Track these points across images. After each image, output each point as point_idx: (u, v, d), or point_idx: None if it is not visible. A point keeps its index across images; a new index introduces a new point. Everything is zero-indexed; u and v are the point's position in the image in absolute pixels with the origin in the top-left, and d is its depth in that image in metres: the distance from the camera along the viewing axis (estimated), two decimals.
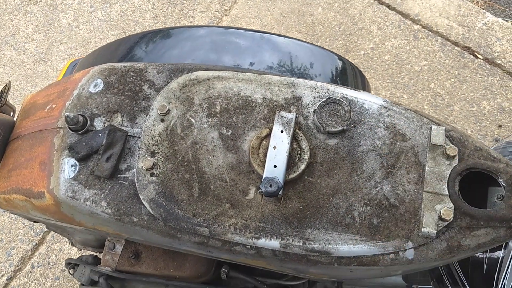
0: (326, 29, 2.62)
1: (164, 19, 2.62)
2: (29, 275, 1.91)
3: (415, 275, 1.20)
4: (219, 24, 2.63)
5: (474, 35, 2.58)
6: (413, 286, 1.26)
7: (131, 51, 1.20)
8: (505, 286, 0.88)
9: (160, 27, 1.31)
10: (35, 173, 0.85)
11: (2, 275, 1.91)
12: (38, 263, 1.93)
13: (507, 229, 0.71)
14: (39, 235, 2.00)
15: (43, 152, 0.85)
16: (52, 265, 1.91)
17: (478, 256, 0.93)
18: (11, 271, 1.92)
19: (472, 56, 2.52)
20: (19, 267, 1.93)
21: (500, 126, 2.30)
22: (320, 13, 2.68)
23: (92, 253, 1.20)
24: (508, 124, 2.28)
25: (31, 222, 1.95)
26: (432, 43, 2.55)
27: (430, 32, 2.59)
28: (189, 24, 2.59)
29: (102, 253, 1.16)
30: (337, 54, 1.14)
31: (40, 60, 2.53)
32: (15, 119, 1.04)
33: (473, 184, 0.78)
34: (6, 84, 1.03)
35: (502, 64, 2.48)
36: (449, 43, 2.55)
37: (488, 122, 2.31)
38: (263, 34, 1.15)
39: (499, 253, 0.90)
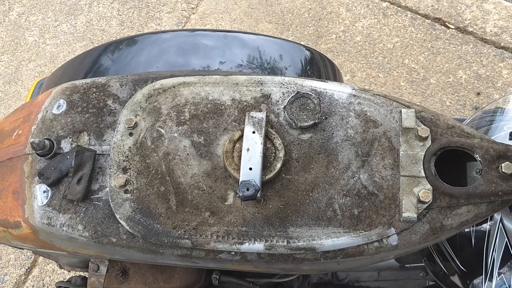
0: (295, 16, 2.60)
1: (131, 24, 2.58)
2: None
3: (407, 255, 1.20)
4: (188, 23, 2.60)
5: (443, 5, 2.59)
6: (406, 265, 1.27)
7: (95, 64, 1.18)
8: (495, 257, 0.88)
9: (123, 37, 1.28)
10: (9, 202, 0.83)
11: None
12: (33, 286, 1.90)
13: (488, 204, 0.71)
14: (31, 258, 1.97)
15: (15, 181, 0.82)
16: (47, 287, 1.88)
17: (465, 231, 0.93)
18: None
19: (443, 27, 2.53)
20: None
21: (478, 93, 2.31)
22: (288, 1, 2.66)
23: (81, 273, 1.18)
24: (486, 91, 2.30)
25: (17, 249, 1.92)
26: (402, 18, 2.55)
27: (399, 8, 2.59)
28: (156, 28, 2.55)
29: None
30: (305, 46, 1.13)
31: (11, 81, 2.48)
32: None
33: (451, 163, 0.78)
34: None
35: (474, 31, 2.49)
36: (419, 16, 2.56)
37: (466, 91, 2.33)
38: (228, 33, 1.13)
39: (486, 226, 0.90)
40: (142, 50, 1.17)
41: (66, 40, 2.54)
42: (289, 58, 1.12)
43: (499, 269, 0.88)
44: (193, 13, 2.61)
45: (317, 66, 1.13)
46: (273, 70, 1.09)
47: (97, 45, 2.49)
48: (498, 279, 0.88)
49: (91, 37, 2.54)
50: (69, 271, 1.17)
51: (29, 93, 1.26)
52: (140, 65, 1.12)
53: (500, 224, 0.88)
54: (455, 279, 0.98)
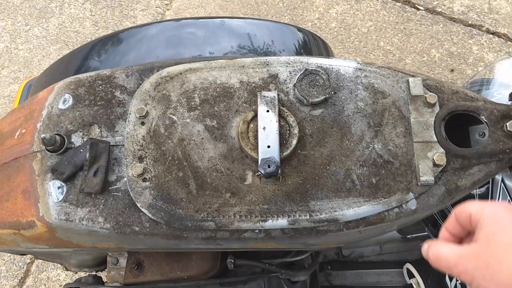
0: (270, 7, 2.61)
1: (105, 24, 2.53)
2: None
3: (408, 226, 1.24)
4: (164, 17, 2.57)
5: None
6: (407, 236, 1.30)
7: (86, 62, 1.16)
8: None
9: (109, 33, 1.26)
10: (19, 203, 0.81)
11: None
12: None
13: (497, 162, 0.74)
14: (23, 268, 1.92)
15: (24, 180, 0.81)
16: None
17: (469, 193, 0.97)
18: None
19: (413, 9, 2.59)
20: None
21: (452, 70, 2.39)
22: None
23: (89, 273, 1.16)
24: (459, 67, 2.38)
25: (12, 257, 1.87)
26: (373, 3, 2.61)
27: None
28: (135, 25, 2.51)
29: (100, 271, 1.13)
30: (296, 26, 1.14)
31: None
32: None
33: (452, 129, 0.81)
34: None
35: (443, 11, 2.57)
36: (389, 0, 2.62)
37: (440, 69, 2.40)
38: (217, 19, 1.13)
39: (487, 188, 0.95)
40: (131, 45, 1.16)
41: (39, 44, 2.47)
42: (282, 40, 1.13)
43: None
44: (168, 9, 2.58)
45: (312, 46, 1.15)
46: (267, 54, 1.10)
47: (72, 47, 2.44)
48: None
49: (65, 40, 2.48)
50: (76, 273, 1.15)
51: (17, 96, 1.23)
52: (130, 61, 1.10)
53: (502, 183, 0.92)
54: None
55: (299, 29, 1.15)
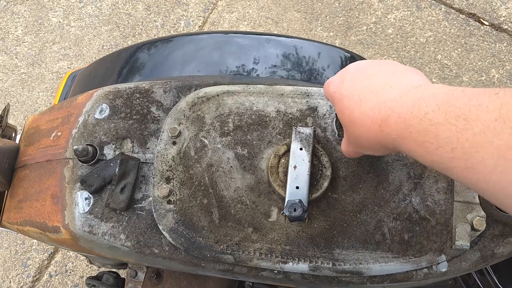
0: (325, 6, 2.54)
1: (157, 9, 2.54)
2: (48, 284, 1.91)
3: None
4: (215, 10, 2.55)
5: (479, 1, 2.50)
6: None
7: (131, 64, 1.16)
8: None
9: (156, 37, 1.25)
10: (48, 206, 0.82)
11: (22, 287, 1.92)
12: (55, 271, 1.93)
13: None
14: None
15: (54, 185, 0.82)
16: (70, 272, 1.91)
17: None
18: (29, 282, 1.93)
19: (477, 23, 2.44)
20: (37, 277, 1.93)
21: None
22: None
23: (111, 270, 1.19)
24: None
25: None
26: (436, 12, 2.47)
27: (433, 1, 2.51)
28: (182, 14, 2.51)
29: (120, 269, 1.15)
30: (346, 50, 1.09)
31: (34, 63, 2.47)
32: (17, 141, 1.00)
33: None
34: (6, 106, 1.00)
35: (509, 29, 2.41)
36: (453, 11, 2.48)
37: None
38: (266, 36, 1.09)
39: None
40: (177, 50, 1.14)
41: (91, 23, 2.52)
42: (329, 63, 1.08)
43: None
44: (220, 0, 2.56)
45: None
46: (311, 76, 1.06)
47: (123, 30, 2.47)
48: None
49: (116, 21, 2.51)
50: (99, 267, 1.18)
51: (60, 85, 1.25)
52: (177, 64, 1.09)
53: None
54: None
55: (348, 52, 1.10)
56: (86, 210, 0.76)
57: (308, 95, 0.79)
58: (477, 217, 0.68)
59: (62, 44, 2.51)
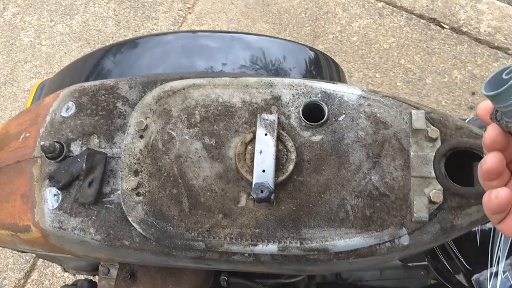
0: (292, 16, 2.61)
1: (127, 25, 2.56)
2: None
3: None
4: (185, 23, 2.59)
5: (438, 6, 2.61)
6: (408, 264, 1.28)
7: (98, 67, 1.17)
8: (500, 255, 0.89)
9: (124, 39, 1.28)
10: (18, 206, 0.82)
11: None
12: None
13: None
14: (29, 261, 1.95)
15: (23, 184, 0.82)
16: None
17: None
18: None
19: (438, 27, 2.55)
20: None
21: (473, 93, 2.34)
22: (285, 0, 2.67)
23: (86, 277, 1.18)
24: (481, 91, 2.32)
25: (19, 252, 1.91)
26: (397, 19, 2.57)
27: (394, 8, 2.61)
28: (152, 28, 2.54)
29: (96, 276, 1.14)
30: (309, 46, 1.13)
31: (6, 82, 2.45)
32: None
33: (458, 162, 0.79)
34: None
35: (469, 31, 2.52)
36: (414, 16, 2.58)
37: (461, 91, 2.35)
38: (232, 34, 1.13)
39: (490, 225, 0.92)
40: (145, 52, 1.17)
41: (62, 41, 2.52)
42: (294, 59, 1.12)
43: (503, 267, 0.89)
44: (190, 13, 2.60)
45: (322, 67, 1.14)
46: (278, 71, 1.10)
47: (93, 45, 2.48)
48: (503, 277, 0.89)
49: (87, 38, 2.52)
50: (74, 275, 1.17)
51: (30, 95, 1.26)
52: (144, 67, 1.11)
53: None
54: (460, 277, 1.00)
55: (311, 49, 1.14)
56: (55, 206, 0.76)
57: (271, 85, 0.82)
58: (434, 190, 0.72)
59: (34, 62, 2.50)
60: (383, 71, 2.41)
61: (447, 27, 2.55)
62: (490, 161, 0.51)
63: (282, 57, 1.12)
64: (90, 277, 1.15)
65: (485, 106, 0.53)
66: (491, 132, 0.51)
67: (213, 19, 2.59)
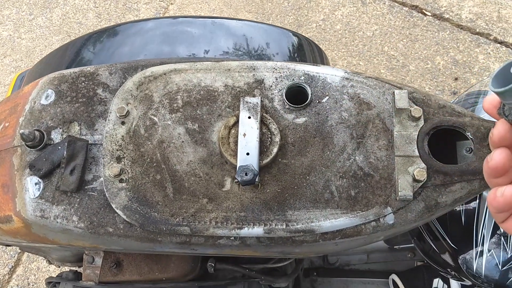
0: (275, 5, 2.59)
1: (108, 17, 2.52)
2: None
3: (396, 236, 1.23)
4: (166, 14, 2.56)
5: None
6: (395, 247, 1.29)
7: (78, 55, 1.15)
8: (485, 234, 0.91)
9: (105, 26, 1.25)
10: None
11: None
12: (17, 285, 1.86)
13: (480, 181, 0.72)
14: (14, 257, 1.92)
15: (4, 174, 0.80)
16: (32, 285, 1.85)
17: (455, 209, 0.95)
18: None
19: (420, 14, 2.56)
20: None
21: (456, 79, 2.36)
22: None
23: (71, 268, 1.16)
24: (464, 76, 2.35)
25: (3, 246, 1.88)
26: (380, 6, 2.58)
27: None
28: (135, 19, 2.50)
29: (82, 267, 1.13)
30: (292, 31, 1.13)
31: None
32: None
33: (441, 142, 0.80)
34: None
35: (450, 17, 2.54)
36: (396, 4, 2.59)
37: (444, 77, 2.37)
38: (214, 19, 1.12)
39: (474, 204, 0.93)
40: (126, 40, 1.15)
41: (42, 34, 2.47)
42: (277, 44, 1.12)
43: (489, 246, 0.91)
44: (171, 3, 2.57)
45: (305, 51, 1.13)
46: (261, 57, 1.09)
47: (74, 38, 2.44)
48: (488, 255, 0.90)
49: (67, 30, 2.48)
50: (59, 267, 1.15)
51: (10, 87, 1.23)
52: (125, 55, 1.10)
53: None
54: (446, 257, 1.01)
55: (295, 34, 1.13)
56: (36, 195, 0.74)
57: (254, 69, 0.81)
58: (418, 169, 0.72)
59: (13, 56, 2.45)
60: (366, 58, 2.42)
61: (429, 14, 2.57)
62: (497, 157, 0.49)
63: (265, 42, 1.11)
64: (76, 269, 1.14)
65: (491, 100, 0.52)
66: (500, 128, 0.49)
67: (195, 10, 2.56)
